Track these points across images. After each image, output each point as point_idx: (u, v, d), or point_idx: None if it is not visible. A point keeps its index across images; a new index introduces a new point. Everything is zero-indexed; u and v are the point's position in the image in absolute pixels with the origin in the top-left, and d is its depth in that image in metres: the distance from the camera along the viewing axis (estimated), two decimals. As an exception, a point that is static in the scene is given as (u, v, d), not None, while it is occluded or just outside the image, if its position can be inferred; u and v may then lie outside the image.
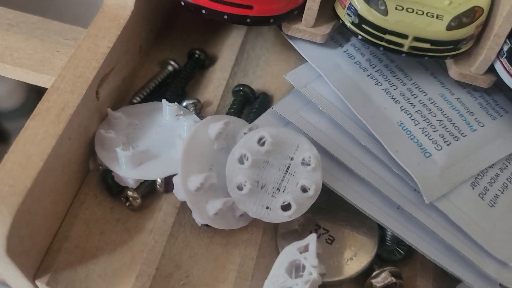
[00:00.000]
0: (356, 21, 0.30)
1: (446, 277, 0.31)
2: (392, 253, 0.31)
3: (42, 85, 0.30)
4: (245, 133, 0.30)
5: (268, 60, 0.39)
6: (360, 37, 0.30)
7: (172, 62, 0.36)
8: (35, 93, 0.70)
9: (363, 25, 0.30)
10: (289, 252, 0.28)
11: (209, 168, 0.30)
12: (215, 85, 0.37)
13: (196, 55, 0.37)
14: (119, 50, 0.31)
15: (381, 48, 0.30)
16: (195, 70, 0.37)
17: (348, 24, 0.30)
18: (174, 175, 0.30)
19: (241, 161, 0.29)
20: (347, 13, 0.30)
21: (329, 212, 0.32)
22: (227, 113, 0.35)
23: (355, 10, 0.29)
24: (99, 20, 0.31)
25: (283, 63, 0.39)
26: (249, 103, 0.36)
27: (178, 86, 0.36)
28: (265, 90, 0.37)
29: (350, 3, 0.30)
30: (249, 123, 0.32)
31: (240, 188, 0.29)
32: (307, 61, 0.34)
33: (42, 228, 0.28)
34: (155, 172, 0.30)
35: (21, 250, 0.26)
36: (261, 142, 0.29)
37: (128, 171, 0.30)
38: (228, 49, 0.39)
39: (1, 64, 0.30)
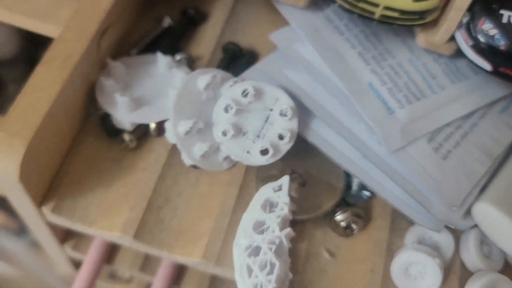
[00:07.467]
0: (335, -12, 0.33)
1: (402, 219, 0.35)
2: (357, 197, 0.35)
3: (49, 34, 0.33)
4: (231, 86, 0.34)
5: (258, 20, 0.42)
6: (337, 4, 0.33)
7: (167, 18, 0.39)
8: (30, 43, 0.73)
9: (341, -7, 0.33)
10: (265, 191, 0.32)
11: (198, 115, 0.33)
12: (206, 42, 0.40)
13: (189, 14, 0.40)
14: (119, 6, 0.35)
15: (355, 15, 0.33)
16: (187, 27, 0.40)
17: (328, -9, 0.34)
18: (166, 120, 0.34)
19: (226, 110, 0.33)
20: (327, -19, 0.33)
21: (305, 160, 0.35)
22: (217, 68, 0.39)
23: (334, -22, 0.33)
24: (102, -23, 0.34)
25: (272, 24, 0.42)
26: (237, 60, 0.40)
27: (172, 41, 0.39)
28: (253, 48, 0.41)
29: (329, -28, 0.33)
30: (236, 78, 0.36)
31: (224, 133, 0.33)
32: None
33: (48, 163, 0.32)
34: (149, 117, 0.34)
35: (30, 179, 0.30)
36: (244, 93, 0.33)
37: (125, 114, 0.33)
38: (220, 7, 0.42)
39: (12, 13, 0.33)
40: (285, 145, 0.33)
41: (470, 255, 0.34)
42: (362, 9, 0.33)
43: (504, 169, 0.35)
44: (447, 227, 0.34)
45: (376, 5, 0.32)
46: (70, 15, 0.32)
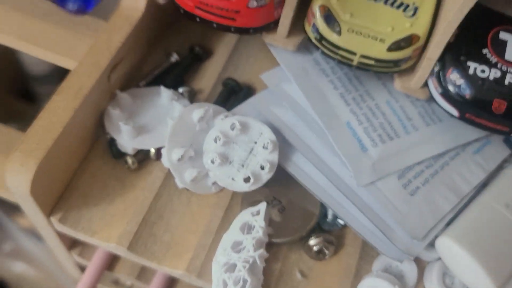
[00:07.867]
0: (318, 37, 0.37)
1: (372, 248, 0.38)
2: (331, 225, 0.39)
3: (67, 67, 0.39)
4: (222, 119, 0.38)
5: (257, 58, 0.47)
6: (320, 50, 0.37)
7: (174, 54, 0.44)
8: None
9: (323, 41, 0.37)
10: (244, 215, 0.36)
11: (190, 144, 0.38)
12: (209, 76, 0.45)
13: (195, 50, 0.45)
14: (129, 43, 0.39)
15: (336, 61, 0.37)
16: (193, 62, 0.45)
17: (312, 39, 0.38)
18: (163, 147, 0.38)
19: (215, 141, 0.37)
20: (312, 30, 0.37)
21: (287, 188, 0.39)
22: (215, 101, 0.43)
23: (317, 28, 0.37)
24: (115, 18, 0.39)
25: (270, 62, 0.46)
26: (235, 94, 0.44)
27: (177, 75, 0.43)
28: (251, 84, 0.45)
29: (314, 23, 0.37)
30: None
31: (212, 161, 0.37)
32: (282, 64, 0.41)
33: (58, 179, 0.36)
34: (149, 143, 0.38)
35: (40, 193, 0.35)
36: (232, 127, 0.37)
37: (127, 141, 0.38)
38: (224, 45, 0.46)
39: (37, 48, 0.39)
40: (266, 175, 0.37)
41: (433, 285, 0.37)
42: (342, 56, 0.37)
43: (470, 207, 0.38)
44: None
45: (354, 53, 0.36)
46: (85, 51, 0.37)
